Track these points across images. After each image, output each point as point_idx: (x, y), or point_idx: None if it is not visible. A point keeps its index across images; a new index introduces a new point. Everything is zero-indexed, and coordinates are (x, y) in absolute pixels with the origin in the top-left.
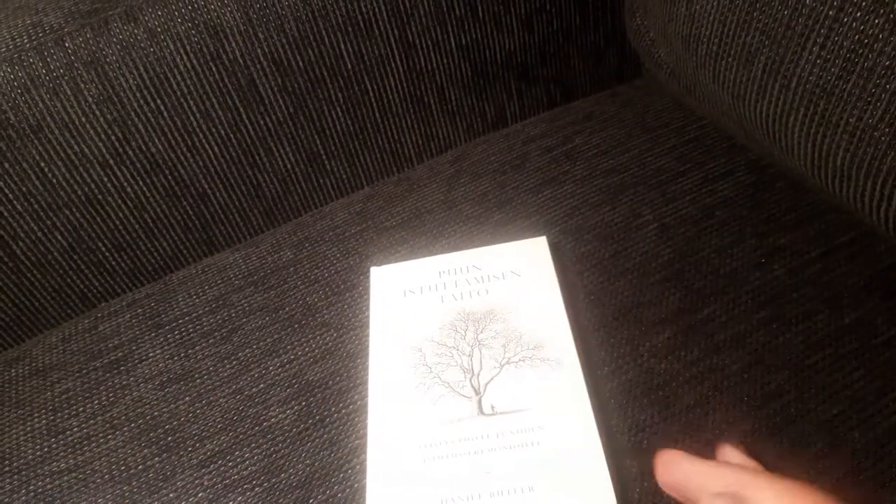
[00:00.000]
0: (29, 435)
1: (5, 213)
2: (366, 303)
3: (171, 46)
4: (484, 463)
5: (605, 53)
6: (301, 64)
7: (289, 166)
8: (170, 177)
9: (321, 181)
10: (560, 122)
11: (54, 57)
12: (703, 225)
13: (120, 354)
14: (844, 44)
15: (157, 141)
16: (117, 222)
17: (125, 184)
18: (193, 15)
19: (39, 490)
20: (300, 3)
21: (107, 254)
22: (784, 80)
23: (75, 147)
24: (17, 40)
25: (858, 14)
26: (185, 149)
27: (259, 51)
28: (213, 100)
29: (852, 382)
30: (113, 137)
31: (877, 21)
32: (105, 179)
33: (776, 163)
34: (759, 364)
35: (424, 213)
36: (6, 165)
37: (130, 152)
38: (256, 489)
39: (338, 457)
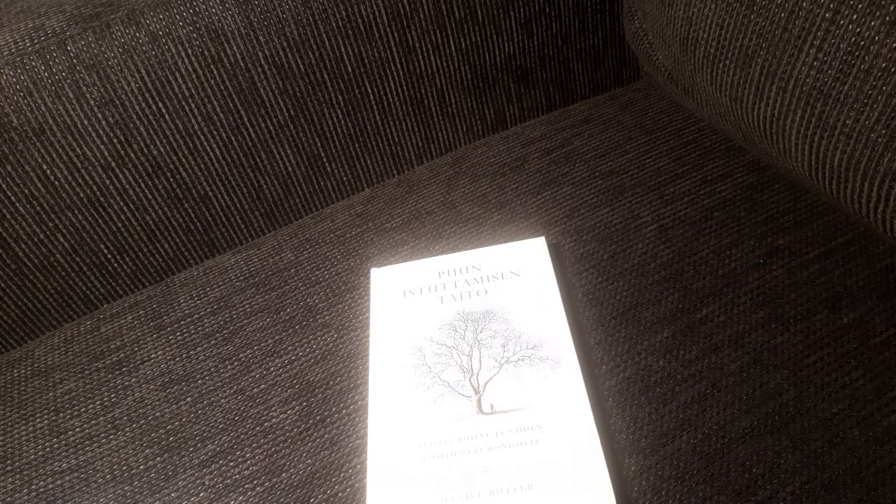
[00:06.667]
0: (31, 435)
1: (8, 216)
2: (366, 304)
3: (173, 50)
4: (483, 461)
5: (604, 57)
6: (302, 67)
7: (290, 169)
8: (171, 179)
9: (322, 183)
10: (559, 125)
11: (56, 60)
12: (701, 226)
13: (122, 355)
14: (841, 46)
15: (158, 144)
16: (119, 224)
17: (127, 186)
18: (195, 19)
19: (41, 489)
20: (301, 6)
21: (109, 256)
22: (781, 82)
23: (77, 150)
24: (20, 44)
25: (855, 16)
26: (186, 151)
27: (260, 54)
28: (215, 103)
29: (851, 381)
30: (115, 140)
31: (873, 23)
32: (107, 182)
33: (774, 164)
34: (757, 363)
35: (424, 214)
36: (9, 168)
37: (132, 155)
38: (257, 489)
39: (338, 456)
